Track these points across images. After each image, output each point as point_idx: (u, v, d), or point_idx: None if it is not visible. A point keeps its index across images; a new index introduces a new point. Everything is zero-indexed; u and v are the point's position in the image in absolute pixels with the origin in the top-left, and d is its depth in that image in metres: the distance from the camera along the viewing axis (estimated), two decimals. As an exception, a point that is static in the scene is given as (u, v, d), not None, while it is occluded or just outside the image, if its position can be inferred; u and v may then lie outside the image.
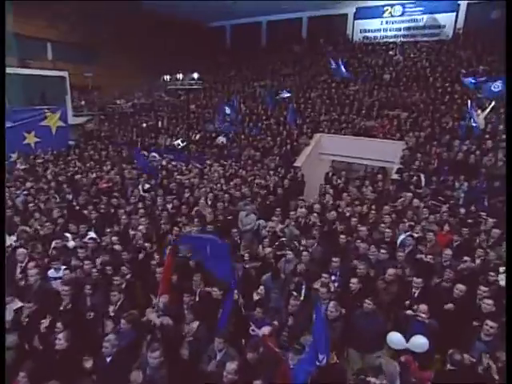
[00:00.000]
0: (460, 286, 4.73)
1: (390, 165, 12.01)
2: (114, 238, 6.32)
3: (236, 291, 4.58)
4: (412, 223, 7.39)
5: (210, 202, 8.51)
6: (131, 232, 6.80)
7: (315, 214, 7.39)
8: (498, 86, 11.54)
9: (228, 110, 15.34)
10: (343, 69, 14.28)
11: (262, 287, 5.08)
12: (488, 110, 11.48)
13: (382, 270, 5.60)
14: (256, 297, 4.92)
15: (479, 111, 11.90)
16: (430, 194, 9.57)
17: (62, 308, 4.47)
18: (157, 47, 21.93)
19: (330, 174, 11.20)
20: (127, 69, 21.54)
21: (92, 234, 6.59)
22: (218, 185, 9.67)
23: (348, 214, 7.60)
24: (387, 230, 6.57)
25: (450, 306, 4.71)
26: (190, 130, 16.04)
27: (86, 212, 7.71)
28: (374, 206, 8.18)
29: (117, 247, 5.99)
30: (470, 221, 8.25)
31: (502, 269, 5.89)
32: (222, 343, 3.87)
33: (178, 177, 10.42)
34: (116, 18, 20.04)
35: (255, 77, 19.40)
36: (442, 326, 4.58)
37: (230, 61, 22.53)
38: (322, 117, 14.02)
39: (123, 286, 4.97)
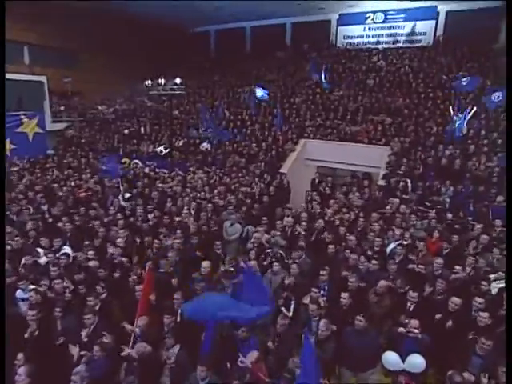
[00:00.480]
0: (455, 300, 4.52)
1: (375, 170, 11.90)
2: (90, 253, 5.89)
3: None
4: (401, 230, 7.22)
5: (193, 212, 8.14)
6: (109, 247, 6.36)
7: (303, 223, 7.12)
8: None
9: (212, 116, 15.06)
10: (323, 78, 14.23)
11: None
12: (470, 115, 11.53)
13: (374, 282, 5.37)
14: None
15: (460, 115, 11.97)
16: (417, 200, 9.47)
17: (27, 335, 4.02)
18: (140, 52, 21.47)
19: (317, 181, 10.98)
20: (109, 74, 20.94)
21: (67, 249, 6.13)
22: (202, 193, 9.31)
23: (336, 223, 7.36)
24: (377, 239, 6.34)
25: (445, 320, 4.49)
26: (173, 136, 15.64)
27: (61, 224, 7.22)
28: (361, 213, 7.99)
29: (92, 263, 5.54)
30: (457, 226, 8.19)
31: (492, 276, 5.75)
32: (205, 371, 3.52)
33: (160, 185, 10.01)
34: (98, 21, 19.49)
35: (239, 82, 19.14)
36: (437, 341, 4.36)
37: (214, 66, 22.22)
38: (307, 122, 13.85)
39: (97, 307, 4.55)
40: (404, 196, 9.43)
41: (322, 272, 5.29)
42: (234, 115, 15.81)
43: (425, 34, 18.42)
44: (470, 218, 8.69)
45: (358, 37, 19.55)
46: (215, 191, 9.29)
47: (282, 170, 11.62)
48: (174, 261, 5.79)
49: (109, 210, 8.27)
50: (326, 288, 5.29)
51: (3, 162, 8.91)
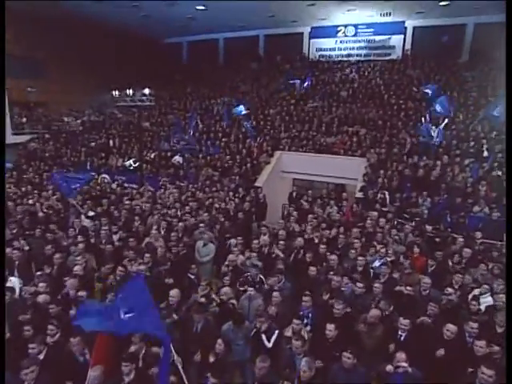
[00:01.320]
0: (451, 327, 4.09)
1: (352, 182, 11.65)
2: (42, 285, 5.09)
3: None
4: (382, 246, 6.85)
5: (163, 232, 7.46)
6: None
7: (280, 242, 6.60)
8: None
9: (185, 127, 14.46)
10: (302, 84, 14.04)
11: (220, 341, 4.15)
12: (442, 125, 11.53)
13: (360, 307, 4.91)
14: (212, 358, 3.98)
15: (433, 127, 11.97)
16: (395, 212, 9.20)
17: None
18: (110, 62, 20.56)
19: (294, 195, 10.55)
20: (77, 84, 19.88)
21: (14, 281, 5.30)
22: (173, 210, 8.62)
23: (316, 241, 6.89)
24: (360, 259, 5.90)
25: (440, 350, 4.05)
26: (144, 149, 14.88)
27: (9, 250, 6.33)
28: (341, 229, 7.58)
29: (42, 298, 4.76)
30: (437, 239, 7.94)
31: (477, 291, 5.44)
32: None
33: (128, 202, 9.23)
34: (65, 29, 18.50)
35: (213, 94, 18.66)
36: (433, 375, 3.92)
37: (187, 77, 21.66)
38: (282, 134, 13.49)
39: (42, 355, 3.80)
40: (383, 208, 9.15)
41: (304, 298, 4.76)
42: (207, 127, 15.25)
43: (394, 47, 18.72)
44: (449, 230, 8.54)
45: (330, 49, 19.62)
46: (187, 208, 8.62)
47: (257, 184, 11.14)
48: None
49: (69, 232, 7.41)
50: (310, 315, 4.78)
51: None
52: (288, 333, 4.32)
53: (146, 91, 11.00)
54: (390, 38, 18.69)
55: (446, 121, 11.63)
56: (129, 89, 10.90)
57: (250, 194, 10.14)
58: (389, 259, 6.30)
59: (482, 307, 5.03)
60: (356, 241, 6.66)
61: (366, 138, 12.56)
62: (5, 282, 4.90)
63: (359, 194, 10.18)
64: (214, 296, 4.93)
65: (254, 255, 6.16)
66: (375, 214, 8.18)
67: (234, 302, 4.97)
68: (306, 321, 4.75)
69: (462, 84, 15.60)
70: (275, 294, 4.81)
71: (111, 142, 16.03)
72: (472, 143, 11.72)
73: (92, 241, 7.08)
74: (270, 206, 10.96)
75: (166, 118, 17.37)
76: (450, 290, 5.06)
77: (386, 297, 4.96)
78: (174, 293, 4.82)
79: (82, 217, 8.15)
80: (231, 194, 10.39)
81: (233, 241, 7.04)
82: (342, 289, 5.38)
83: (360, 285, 5.03)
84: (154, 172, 13.14)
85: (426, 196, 9.64)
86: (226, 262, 6.16)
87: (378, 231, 7.50)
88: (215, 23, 19.70)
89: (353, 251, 6.29)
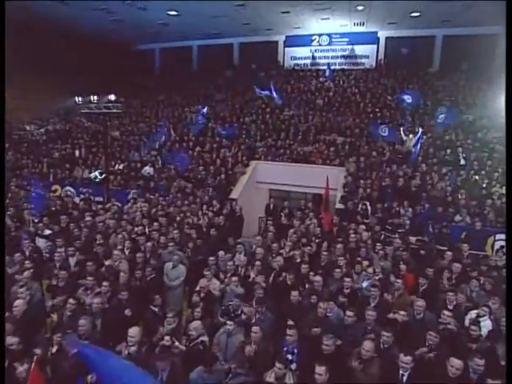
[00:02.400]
0: (456, 363, 3.50)
1: (331, 192, 11.14)
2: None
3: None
4: (367, 262, 6.30)
5: (127, 252, 6.59)
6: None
7: (257, 263, 5.88)
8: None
9: (156, 137, 13.62)
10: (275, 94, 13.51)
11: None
12: (418, 134, 11.29)
13: (352, 337, 4.27)
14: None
15: (411, 135, 11.76)
16: (377, 224, 8.74)
17: None
18: (78, 68, 19.33)
19: (271, 206, 9.91)
20: (41, 91, 18.49)
21: None
22: (140, 227, 7.74)
23: (297, 259, 6.24)
24: (346, 280, 5.29)
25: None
26: (113, 159, 13.87)
27: None
28: (324, 244, 6.99)
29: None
30: (422, 252, 7.50)
31: (474, 312, 4.94)
32: None
33: (90, 218, 8.25)
34: (29, 32, 17.20)
35: (186, 102, 17.88)
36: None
37: (159, 85, 20.78)
38: (258, 143, 12.88)
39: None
40: (365, 220, 8.67)
41: (289, 332, 4.07)
42: (179, 136, 14.44)
43: (368, 57, 18.67)
44: (432, 241, 8.15)
45: (305, 58, 19.34)
46: (155, 224, 7.76)
47: (232, 196, 10.42)
48: (90, 329, 4.21)
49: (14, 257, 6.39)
50: (296, 351, 4.09)
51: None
52: (270, 378, 3.61)
53: (112, 97, 10.08)
54: (363, 48, 18.62)
55: (421, 130, 11.40)
56: (93, 95, 9.93)
57: (225, 206, 9.40)
58: (377, 278, 5.76)
59: (483, 331, 4.53)
60: (341, 258, 6.07)
61: (343, 147, 12.16)
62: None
63: (339, 205, 9.68)
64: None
65: (235, 280, 5.40)
66: (362, 227, 7.64)
67: (205, 339, 4.21)
68: (290, 357, 4.06)
69: (434, 93, 15.63)
70: (255, 328, 4.09)
71: (77, 152, 14.88)
72: (448, 151, 11.55)
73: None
74: (247, 219, 10.27)
75: (137, 127, 16.41)
76: (446, 313, 4.51)
77: (379, 325, 4.36)
78: (134, 332, 4.00)
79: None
80: (205, 207, 9.62)
81: (221, 253, 6.28)
82: (329, 315, 4.75)
83: (350, 313, 4.40)
84: (123, 184, 12.16)
85: (407, 206, 9.27)
86: (198, 288, 5.39)
87: (362, 246, 6.98)
88: (188, 30, 19.00)
89: (338, 270, 5.68)
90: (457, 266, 6.01)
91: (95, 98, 9.82)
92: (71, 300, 4.66)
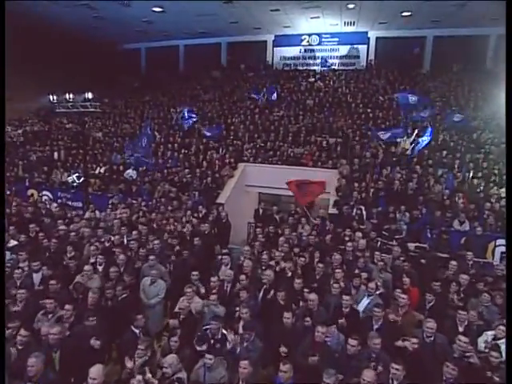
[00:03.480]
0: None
1: (324, 195, 10.55)
2: None
3: None
4: (365, 274, 5.69)
5: (100, 268, 5.83)
6: None
7: (242, 277, 5.20)
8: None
9: (140, 138, 12.81)
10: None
11: None
12: (413, 136, 10.80)
13: (356, 370, 3.62)
14: None
15: (405, 137, 11.24)
16: (374, 230, 8.16)
17: None
18: (60, 67, 18.33)
19: (261, 211, 9.25)
20: (21, 91, 17.46)
21: None
22: (117, 236, 6.98)
23: (289, 273, 5.58)
24: (345, 298, 4.63)
25: None
26: (94, 162, 13.05)
27: None
28: (317, 254, 6.36)
29: None
30: (423, 261, 6.92)
31: (490, 334, 4.35)
32: None
33: (62, 227, 7.45)
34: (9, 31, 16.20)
35: (172, 102, 17.12)
36: None
37: (145, 85, 19.97)
38: (246, 145, 12.20)
39: None
40: (361, 226, 8.07)
41: (283, 367, 3.40)
42: (164, 138, 13.69)
43: (358, 57, 18.22)
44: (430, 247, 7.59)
45: (294, 58, 18.79)
46: (134, 233, 7.01)
47: (219, 200, 9.72)
48: (42, 368, 3.45)
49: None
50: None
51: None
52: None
53: (89, 95, 9.26)
54: (353, 48, 18.16)
55: (416, 131, 10.89)
56: (68, 93, 9.12)
57: (211, 212, 8.70)
58: (378, 293, 5.14)
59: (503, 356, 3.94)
60: (338, 271, 5.43)
61: (335, 149, 11.59)
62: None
63: (333, 210, 9.07)
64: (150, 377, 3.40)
65: (213, 299, 4.71)
66: (359, 234, 7.03)
67: (182, 375, 3.51)
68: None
69: (426, 94, 15.22)
70: (243, 363, 3.39)
71: (56, 154, 13.98)
72: (444, 152, 11.09)
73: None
74: (235, 225, 9.59)
75: (121, 128, 15.59)
76: (463, 339, 3.88)
77: (385, 351, 3.73)
78: (96, 372, 3.27)
79: None
80: (189, 212, 8.90)
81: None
82: (327, 339, 4.10)
83: (353, 342, 3.75)
84: (103, 189, 11.35)
85: (403, 210, 8.71)
86: (176, 310, 4.68)
87: (359, 255, 6.38)
88: (174, 28, 18.26)
89: (336, 286, 5.04)
90: (465, 278, 5.43)
91: (71, 96, 9.01)
92: (23, 331, 3.88)
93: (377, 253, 6.33)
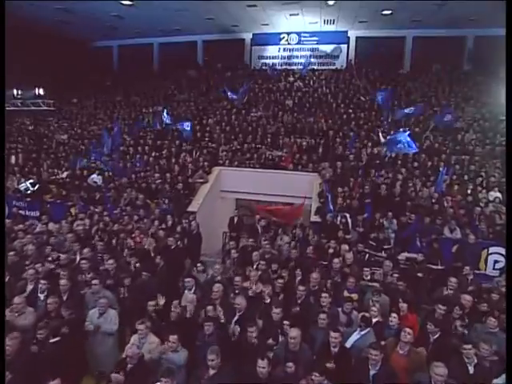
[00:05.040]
0: None
1: (305, 201, 9.69)
2: None
3: None
4: (355, 295, 4.84)
5: (42, 296, 4.71)
6: None
7: (209, 308, 4.22)
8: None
9: (107, 141, 11.62)
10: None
11: None
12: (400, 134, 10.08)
13: None
14: None
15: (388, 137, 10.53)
16: (359, 240, 7.34)
17: None
18: (26, 64, 16.79)
19: (236, 220, 8.28)
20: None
21: None
22: (65, 255, 5.84)
23: (266, 298, 4.63)
24: (334, 336, 3.71)
25: None
26: (56, 166, 11.78)
27: None
28: (298, 271, 5.45)
29: None
30: (420, 274, 6.13)
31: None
32: None
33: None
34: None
35: (145, 102, 15.93)
36: None
37: (117, 85, 18.64)
38: (222, 147, 11.21)
39: None
40: (346, 236, 7.23)
41: None
42: (134, 140, 12.52)
43: (338, 57, 17.55)
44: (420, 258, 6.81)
45: (273, 57, 17.93)
46: (85, 251, 5.90)
47: (190, 209, 8.67)
48: None
49: None
50: None
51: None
52: None
53: (40, 91, 8.05)
54: (333, 48, 17.48)
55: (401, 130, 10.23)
56: (16, 89, 7.89)
57: (179, 223, 7.66)
58: (374, 320, 4.28)
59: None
60: (324, 295, 4.52)
61: (317, 150, 10.77)
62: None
63: (315, 218, 8.20)
64: None
65: (173, 340, 3.69)
66: (345, 247, 6.16)
67: None
68: None
69: (408, 94, 14.69)
70: None
71: (13, 158, 12.58)
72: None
73: None
74: (210, 235, 8.63)
75: (88, 130, 14.29)
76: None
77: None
78: None
79: None
80: (157, 223, 7.84)
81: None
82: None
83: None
84: (63, 196, 10.10)
85: (391, 217, 7.95)
86: (124, 355, 3.65)
87: (347, 271, 5.52)
88: (147, 25, 17.07)
89: (322, 317, 4.11)
90: (467, 300, 4.64)
91: (19, 92, 7.78)
92: None
93: (366, 269, 5.50)
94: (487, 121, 12.69)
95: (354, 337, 3.96)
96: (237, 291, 4.79)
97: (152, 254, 6.16)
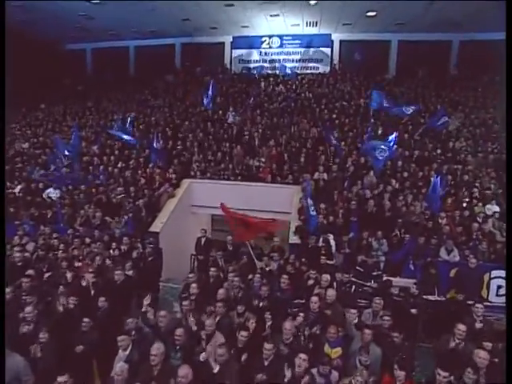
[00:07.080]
0: None
1: (285, 216, 8.62)
2: None
3: None
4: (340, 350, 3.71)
5: None
6: None
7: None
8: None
9: (66, 151, 10.35)
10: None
11: None
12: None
13: None
14: None
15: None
16: (344, 266, 6.28)
17: None
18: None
19: (203, 242, 7.11)
20: None
21: None
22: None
23: (239, 345, 3.48)
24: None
25: None
26: (10, 178, 10.42)
27: None
28: (268, 315, 4.31)
29: None
30: (413, 311, 5.07)
31: None
32: None
33: None
34: None
35: (116, 108, 14.67)
36: None
37: (90, 89, 17.30)
38: (195, 156, 10.04)
39: None
40: (328, 261, 6.14)
41: None
42: (100, 149, 11.26)
43: (322, 61, 16.65)
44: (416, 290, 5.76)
45: (254, 61, 16.90)
46: (8, 290, 4.63)
47: (152, 229, 7.46)
48: None
49: None
50: None
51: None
52: None
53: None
54: (316, 51, 16.58)
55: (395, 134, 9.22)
56: None
57: (136, 247, 6.46)
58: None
59: None
60: (303, 356, 3.38)
61: (298, 160, 9.71)
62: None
63: (294, 239, 7.09)
64: None
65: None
66: (326, 277, 5.05)
67: None
68: None
69: (395, 99, 13.82)
70: None
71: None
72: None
73: None
74: (178, 257, 7.45)
75: (51, 138, 12.94)
76: None
77: None
78: None
79: None
80: (114, 245, 6.64)
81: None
82: None
83: None
84: (12, 214, 8.77)
85: (380, 237, 6.91)
86: None
87: (328, 313, 4.41)
88: (120, 26, 15.88)
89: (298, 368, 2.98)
90: (482, 357, 3.53)
91: None
92: None
93: (352, 311, 4.40)
94: (477, 127, 11.90)
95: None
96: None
97: (92, 292, 4.93)
